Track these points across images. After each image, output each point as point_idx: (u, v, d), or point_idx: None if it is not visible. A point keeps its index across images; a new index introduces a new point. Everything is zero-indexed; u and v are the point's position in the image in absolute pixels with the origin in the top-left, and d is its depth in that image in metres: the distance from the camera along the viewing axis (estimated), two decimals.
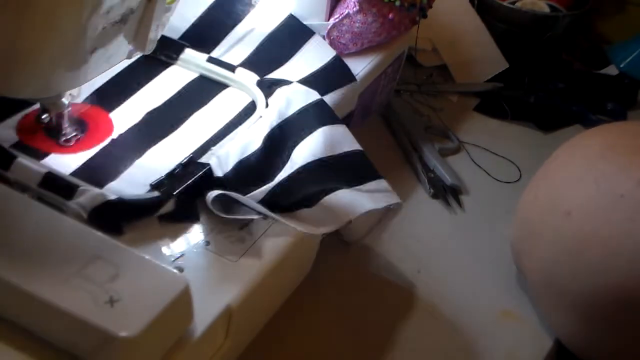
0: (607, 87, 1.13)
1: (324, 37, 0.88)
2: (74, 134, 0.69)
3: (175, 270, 0.56)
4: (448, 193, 0.91)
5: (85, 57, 0.61)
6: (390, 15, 0.86)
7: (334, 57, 0.84)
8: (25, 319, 0.53)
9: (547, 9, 1.15)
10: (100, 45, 0.62)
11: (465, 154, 0.98)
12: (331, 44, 0.88)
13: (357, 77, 0.85)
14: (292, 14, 0.86)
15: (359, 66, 0.87)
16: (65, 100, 0.67)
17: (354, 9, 0.86)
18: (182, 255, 0.62)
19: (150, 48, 0.67)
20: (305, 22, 0.86)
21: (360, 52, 0.89)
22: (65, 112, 0.68)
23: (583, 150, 0.74)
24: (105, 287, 0.51)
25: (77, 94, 0.70)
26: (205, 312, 0.58)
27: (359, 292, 0.77)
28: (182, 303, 0.54)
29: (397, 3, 0.85)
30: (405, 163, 0.96)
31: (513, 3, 1.15)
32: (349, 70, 0.84)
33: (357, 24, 0.86)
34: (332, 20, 0.87)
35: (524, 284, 0.81)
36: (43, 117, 0.68)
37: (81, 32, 0.58)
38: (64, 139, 0.69)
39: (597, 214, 0.67)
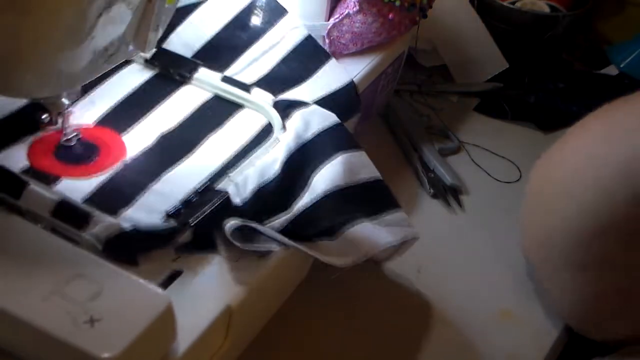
0: (607, 87, 1.13)
1: (323, 37, 0.88)
2: (74, 134, 0.69)
3: (158, 289, 0.54)
4: (448, 193, 0.91)
5: (85, 57, 0.61)
6: (390, 16, 0.86)
7: (349, 82, 0.83)
8: (3, 339, 0.52)
9: (547, 9, 1.15)
10: (100, 45, 0.62)
11: (465, 154, 0.98)
12: (331, 44, 0.88)
13: (357, 77, 0.85)
14: (310, 34, 0.85)
15: (359, 66, 0.87)
16: (65, 100, 0.67)
17: (354, 9, 0.86)
18: (177, 257, 0.62)
19: (149, 48, 0.67)
20: (305, 22, 0.86)
21: (360, 52, 0.89)
22: (66, 111, 0.68)
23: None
24: (85, 306, 0.50)
25: (78, 94, 0.70)
26: (205, 312, 0.58)
27: (359, 292, 0.77)
28: (165, 321, 0.52)
29: (397, 3, 0.85)
30: (405, 163, 0.96)
31: (513, 3, 1.15)
32: (358, 100, 0.83)
33: (357, 24, 0.86)
34: (332, 20, 0.87)
35: (524, 284, 0.81)
36: (43, 117, 0.68)
37: (81, 31, 0.58)
38: (64, 138, 0.69)
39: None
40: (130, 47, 0.67)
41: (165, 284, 0.59)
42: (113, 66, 0.67)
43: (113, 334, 0.49)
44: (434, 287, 0.79)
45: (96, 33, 0.59)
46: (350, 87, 0.83)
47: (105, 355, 0.48)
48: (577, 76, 1.17)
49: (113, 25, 0.61)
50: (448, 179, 0.91)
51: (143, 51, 0.67)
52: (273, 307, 0.72)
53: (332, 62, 0.84)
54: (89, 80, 0.66)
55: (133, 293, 0.52)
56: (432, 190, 0.91)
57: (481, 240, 0.86)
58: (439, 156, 0.94)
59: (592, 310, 0.71)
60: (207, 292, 0.59)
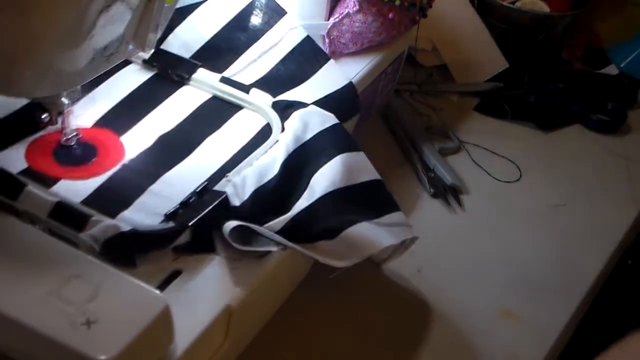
0: (607, 87, 1.13)
1: (323, 37, 0.88)
2: (74, 133, 0.69)
3: (155, 290, 0.54)
4: (448, 193, 0.91)
5: (85, 57, 0.61)
6: (390, 15, 0.86)
7: (348, 84, 0.82)
8: (0, 340, 0.51)
9: (547, 9, 1.15)
10: (100, 45, 0.61)
11: (465, 153, 0.98)
12: (331, 43, 0.88)
13: (357, 77, 0.85)
14: (309, 35, 0.85)
15: (359, 66, 0.87)
16: (65, 100, 0.67)
17: (354, 9, 0.86)
18: (178, 257, 0.61)
19: (149, 47, 0.67)
20: (305, 22, 0.86)
21: (360, 52, 0.89)
22: (66, 111, 0.68)
23: None
24: (82, 307, 0.50)
25: (77, 94, 0.70)
26: (205, 312, 0.58)
27: (359, 292, 0.77)
28: (162, 323, 0.52)
29: (397, 3, 0.85)
30: (405, 163, 0.96)
31: (513, 3, 1.15)
32: (357, 101, 0.83)
33: (357, 24, 0.86)
34: (332, 20, 0.87)
35: (524, 284, 0.81)
36: (43, 116, 0.68)
37: (81, 31, 0.58)
38: (64, 138, 0.69)
39: None
40: (130, 47, 0.67)
41: (164, 284, 0.59)
42: (113, 66, 0.67)
43: (110, 336, 0.49)
44: (434, 287, 0.79)
45: (96, 32, 0.59)
46: (349, 88, 0.82)
47: (102, 357, 0.48)
48: (577, 76, 1.17)
49: (112, 25, 0.61)
50: (448, 179, 0.91)
51: (143, 51, 0.67)
52: (273, 307, 0.72)
53: (331, 63, 0.84)
54: (89, 80, 0.66)
55: (130, 295, 0.52)
56: (432, 190, 0.91)
57: (481, 240, 0.86)
58: (439, 156, 0.94)
59: None
60: (207, 292, 0.59)
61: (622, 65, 1.17)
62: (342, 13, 0.87)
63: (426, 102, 1.06)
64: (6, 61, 0.57)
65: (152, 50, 0.75)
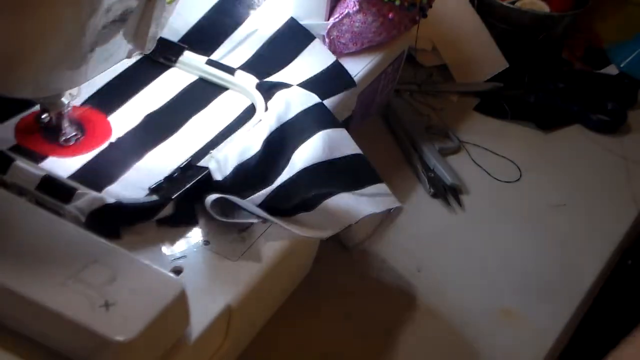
0: (607, 87, 1.13)
1: (323, 37, 0.88)
2: (74, 133, 0.69)
3: (171, 274, 0.55)
4: (448, 193, 0.91)
5: (85, 57, 0.61)
6: (390, 15, 0.86)
7: (334, 62, 0.84)
8: (20, 322, 0.52)
9: (547, 9, 1.15)
10: (100, 45, 0.62)
11: (465, 153, 0.98)
12: (331, 43, 0.88)
13: (357, 77, 0.85)
14: (293, 17, 0.86)
15: (359, 66, 0.87)
16: (65, 100, 0.67)
17: (354, 9, 0.86)
18: (182, 256, 0.62)
19: (149, 47, 0.67)
20: (305, 22, 0.86)
21: (360, 52, 0.89)
22: (65, 111, 0.68)
23: None
24: (101, 290, 0.51)
25: (77, 94, 0.70)
26: (205, 312, 0.58)
27: (359, 292, 0.77)
28: (179, 306, 0.53)
29: (397, 3, 0.85)
30: (405, 163, 0.96)
31: (513, 3, 1.15)
32: (348, 75, 0.84)
33: (357, 24, 0.86)
34: (332, 20, 0.87)
35: (524, 284, 0.81)
36: (43, 116, 0.68)
37: (81, 31, 0.58)
38: (63, 138, 0.69)
39: None
40: (130, 47, 0.67)
41: None
42: (113, 65, 0.68)
43: (128, 318, 0.50)
44: (434, 287, 0.79)
45: (96, 33, 0.59)
46: (336, 64, 0.83)
47: (120, 338, 0.49)
48: (577, 76, 1.17)
49: (112, 25, 0.61)
50: (448, 179, 0.91)
51: (143, 50, 0.68)
52: (273, 307, 0.72)
53: (316, 42, 0.85)
54: (89, 80, 0.66)
55: (147, 279, 0.53)
56: (432, 190, 0.91)
57: (481, 240, 0.86)
58: (439, 156, 0.94)
59: None
60: (207, 291, 0.59)
61: (622, 65, 1.17)
62: (342, 13, 0.87)
63: (426, 102, 1.06)
64: (6, 61, 0.57)
65: None
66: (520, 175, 0.96)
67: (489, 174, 0.95)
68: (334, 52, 0.87)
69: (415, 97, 1.06)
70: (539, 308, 0.79)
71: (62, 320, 0.49)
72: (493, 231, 0.87)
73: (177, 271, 0.60)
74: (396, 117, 1.01)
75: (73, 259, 0.53)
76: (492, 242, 0.86)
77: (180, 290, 0.53)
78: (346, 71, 0.84)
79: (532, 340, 0.75)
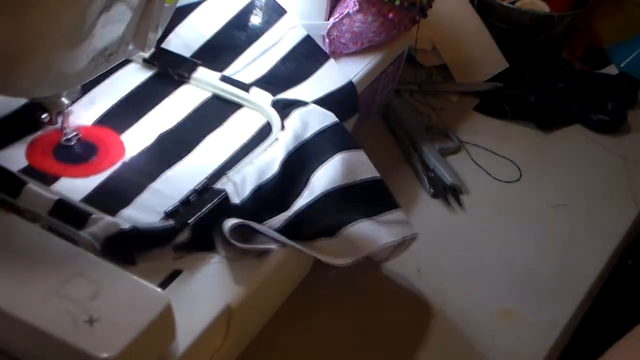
0: (607, 87, 1.13)
1: (323, 37, 0.88)
2: (74, 133, 0.69)
3: (157, 288, 0.54)
4: (448, 193, 0.91)
5: (84, 57, 0.61)
6: (390, 15, 0.86)
7: (348, 83, 0.82)
8: (3, 339, 0.52)
9: (547, 9, 1.15)
10: (99, 45, 0.61)
11: (465, 153, 0.98)
12: (331, 43, 0.88)
13: (357, 77, 0.85)
14: (309, 35, 0.85)
15: (359, 66, 0.87)
16: (65, 100, 0.67)
17: (354, 9, 0.86)
18: (181, 256, 0.62)
19: (149, 47, 0.67)
20: (305, 22, 0.86)
21: (360, 52, 0.89)
22: (66, 111, 0.68)
23: None
24: (85, 305, 0.50)
25: (77, 94, 0.70)
26: (205, 312, 0.58)
27: (359, 292, 0.77)
28: (164, 321, 0.52)
29: (397, 3, 0.85)
30: (405, 163, 0.96)
31: (513, 3, 1.15)
32: (357, 100, 0.83)
33: (357, 24, 0.86)
34: (332, 20, 0.87)
35: (524, 284, 0.81)
36: (43, 116, 0.68)
37: (80, 31, 0.58)
38: (64, 138, 0.69)
39: None
40: (130, 47, 0.67)
41: (165, 284, 0.59)
42: (113, 66, 0.67)
43: (112, 333, 0.49)
44: (434, 287, 0.79)
45: (96, 33, 0.59)
46: (349, 87, 0.83)
47: (104, 355, 0.48)
48: (577, 76, 1.17)
49: (113, 25, 0.61)
50: (448, 179, 0.91)
51: (143, 51, 0.67)
52: (273, 307, 0.72)
53: (331, 62, 0.84)
54: (89, 80, 0.66)
55: (132, 293, 0.52)
56: (432, 190, 0.91)
57: (481, 240, 0.86)
58: (439, 156, 0.94)
59: None
60: (207, 292, 0.59)
61: (622, 65, 1.17)
62: (342, 13, 0.87)
63: (426, 102, 1.06)
64: (6, 61, 0.57)
65: (153, 50, 0.75)
66: (520, 175, 0.96)
67: (489, 174, 0.95)
68: (334, 52, 0.87)
69: (415, 97, 1.06)
70: (539, 308, 0.79)
71: (45, 337, 0.49)
72: (493, 231, 0.87)
73: (177, 271, 0.60)
74: (396, 117, 1.01)
75: (56, 273, 0.52)
76: (492, 242, 0.86)
77: (165, 304, 0.52)
78: (356, 96, 0.83)
79: (532, 340, 0.75)
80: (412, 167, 0.95)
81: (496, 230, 0.87)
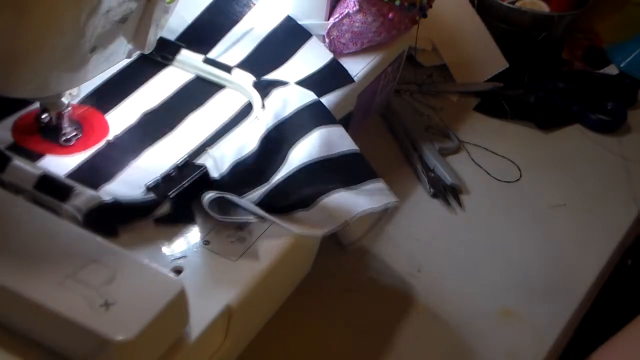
0: (607, 87, 1.13)
1: (323, 37, 0.88)
2: (74, 133, 0.69)
3: (171, 274, 0.55)
4: (448, 192, 0.91)
5: (84, 57, 0.61)
6: (390, 15, 0.86)
7: (331, 59, 0.84)
8: (20, 322, 0.52)
9: (547, 9, 1.15)
10: (99, 45, 0.62)
11: (465, 153, 0.98)
12: (331, 43, 0.88)
13: (357, 77, 0.85)
14: (290, 15, 0.86)
15: (359, 66, 0.87)
16: (65, 100, 0.67)
17: (354, 9, 0.86)
18: (182, 256, 0.62)
19: (149, 47, 0.67)
20: (305, 22, 0.86)
21: (360, 52, 0.89)
22: (65, 111, 0.68)
23: None
24: (100, 290, 0.51)
25: (77, 94, 0.70)
26: (205, 311, 0.58)
27: (359, 292, 0.77)
28: (178, 306, 0.53)
29: (397, 3, 0.85)
30: (405, 163, 0.96)
31: (513, 3, 1.15)
32: (346, 71, 0.84)
33: (357, 24, 0.86)
34: (332, 20, 0.87)
35: (524, 284, 0.81)
36: (43, 116, 0.68)
37: (81, 31, 0.58)
38: (63, 138, 0.69)
39: None
40: (130, 47, 0.67)
41: None
42: (112, 65, 0.68)
43: (128, 317, 0.50)
44: (434, 287, 0.79)
45: (95, 33, 0.59)
46: (333, 62, 0.84)
47: (120, 337, 0.49)
48: (577, 76, 1.17)
49: (112, 26, 0.61)
50: (448, 179, 0.91)
51: (143, 51, 0.68)
52: (273, 307, 0.72)
53: (313, 40, 0.85)
54: (89, 80, 0.66)
55: (147, 278, 0.53)
56: (432, 190, 0.91)
57: (481, 240, 0.86)
58: (439, 156, 0.94)
59: None
60: (207, 292, 0.59)
61: (622, 65, 1.17)
62: (342, 13, 0.87)
63: (426, 102, 1.06)
64: (6, 61, 0.57)
65: None
66: (520, 175, 0.96)
67: (489, 174, 0.95)
68: (334, 52, 0.87)
69: (415, 97, 1.06)
70: (539, 308, 0.79)
71: (62, 320, 0.49)
72: (493, 231, 0.87)
73: (178, 271, 0.60)
74: (396, 117, 1.01)
75: (72, 259, 0.53)
76: (492, 242, 0.86)
77: (179, 289, 0.53)
78: (343, 68, 0.84)
79: (532, 340, 0.75)
80: (412, 167, 0.95)
81: (496, 230, 0.87)
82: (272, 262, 0.63)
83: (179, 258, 0.62)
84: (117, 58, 0.66)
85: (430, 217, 0.88)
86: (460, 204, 0.90)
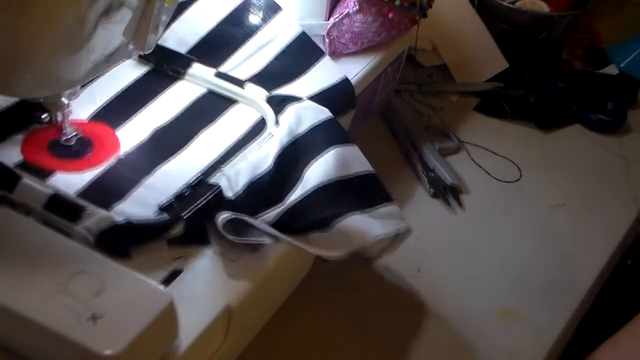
0: (607, 87, 1.13)
1: (323, 37, 0.88)
2: (74, 133, 0.69)
3: (160, 286, 0.54)
4: (448, 193, 0.91)
5: (85, 57, 0.61)
6: (390, 15, 0.86)
7: (343, 79, 0.82)
8: (5, 335, 0.52)
9: (547, 9, 1.15)
10: (100, 45, 0.62)
11: (465, 153, 0.98)
12: (331, 43, 0.88)
13: (357, 77, 0.85)
14: (304, 31, 0.85)
15: (359, 66, 0.87)
16: (65, 100, 0.67)
17: (354, 9, 0.86)
18: (181, 256, 0.62)
19: (149, 48, 0.67)
20: (305, 22, 0.86)
21: (360, 52, 0.89)
22: (66, 111, 0.68)
23: None
24: (88, 302, 0.50)
25: (77, 94, 0.70)
26: (205, 311, 0.58)
27: (359, 292, 0.77)
28: (167, 319, 0.52)
29: (397, 3, 0.85)
30: (405, 163, 0.96)
31: (513, 3, 1.15)
32: (353, 95, 0.83)
33: (357, 24, 0.86)
34: (332, 20, 0.87)
35: (524, 283, 0.81)
36: (43, 116, 0.68)
37: (81, 31, 0.58)
38: (64, 138, 0.69)
39: None
40: (130, 47, 0.67)
41: (165, 283, 0.59)
42: (112, 66, 0.67)
43: (115, 330, 0.49)
44: (434, 287, 0.79)
45: (95, 33, 0.59)
46: (344, 83, 0.83)
47: (108, 352, 0.48)
48: (577, 76, 1.17)
49: (112, 26, 0.61)
50: (448, 179, 0.91)
51: (143, 51, 0.67)
52: (273, 307, 0.72)
53: (326, 59, 0.84)
54: (89, 80, 0.66)
55: (135, 290, 0.52)
56: (432, 190, 0.91)
57: (481, 240, 0.86)
58: (439, 156, 0.94)
59: None
60: (207, 291, 0.59)
61: (622, 65, 1.17)
62: (342, 13, 0.87)
63: (426, 102, 1.06)
64: (7, 62, 0.57)
65: None
66: (520, 175, 0.96)
67: (489, 174, 0.95)
68: (334, 52, 0.87)
69: (415, 97, 1.06)
70: (539, 308, 0.79)
71: (48, 333, 0.49)
72: (493, 231, 0.87)
73: (177, 271, 0.60)
74: (396, 117, 1.01)
75: (60, 270, 0.52)
76: (492, 242, 0.86)
77: (168, 301, 0.52)
78: (352, 90, 0.83)
79: (532, 341, 0.75)
80: (412, 167, 0.95)
81: (496, 230, 0.87)
82: (272, 262, 0.64)
83: (178, 258, 0.61)
84: (118, 59, 0.66)
85: (430, 217, 0.88)
86: (460, 204, 0.90)
